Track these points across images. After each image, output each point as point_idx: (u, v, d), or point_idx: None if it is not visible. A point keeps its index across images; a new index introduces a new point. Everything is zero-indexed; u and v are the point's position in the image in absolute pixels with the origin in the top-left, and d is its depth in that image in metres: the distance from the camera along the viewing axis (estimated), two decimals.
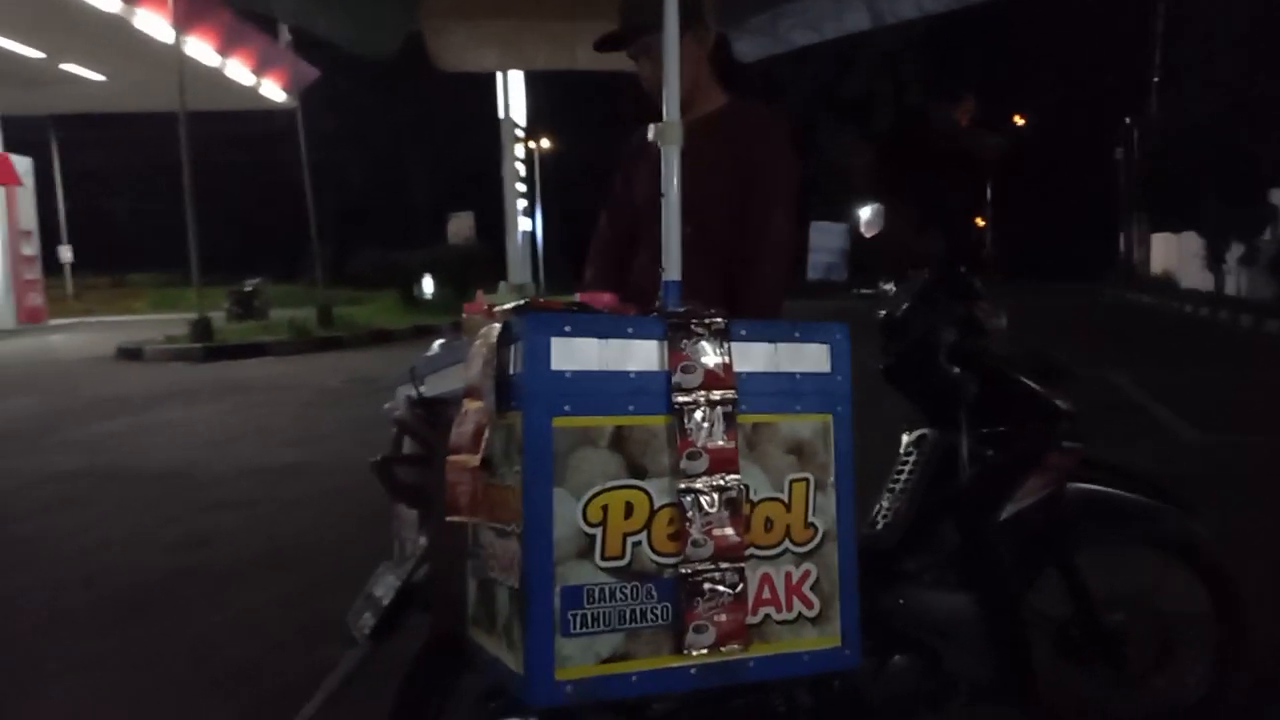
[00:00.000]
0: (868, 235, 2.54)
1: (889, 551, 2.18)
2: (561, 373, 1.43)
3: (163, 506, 5.34)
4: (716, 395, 1.50)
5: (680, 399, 1.48)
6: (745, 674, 1.50)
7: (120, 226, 37.04)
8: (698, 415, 1.48)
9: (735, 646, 1.48)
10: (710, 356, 1.51)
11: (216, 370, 12.34)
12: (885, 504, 2.26)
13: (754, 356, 1.56)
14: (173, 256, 26.96)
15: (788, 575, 1.55)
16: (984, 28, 30.24)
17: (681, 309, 1.56)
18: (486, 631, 1.58)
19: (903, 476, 2.28)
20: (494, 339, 1.52)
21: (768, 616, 1.53)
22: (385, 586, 1.85)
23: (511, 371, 1.49)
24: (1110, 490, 2.34)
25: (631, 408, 1.46)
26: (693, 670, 1.47)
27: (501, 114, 8.84)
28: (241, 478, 6.04)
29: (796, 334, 1.60)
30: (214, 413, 8.84)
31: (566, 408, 1.42)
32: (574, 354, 1.44)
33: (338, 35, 2.84)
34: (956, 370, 2.09)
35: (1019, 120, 31.66)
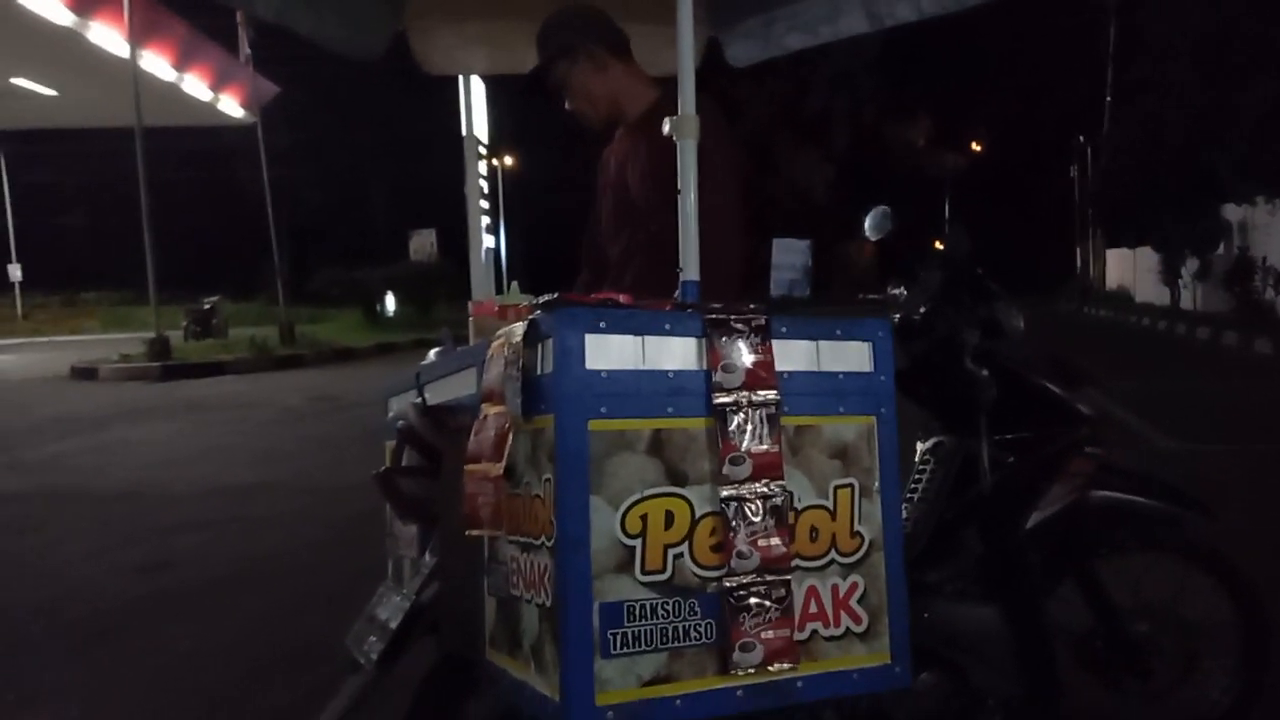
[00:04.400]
0: (874, 239, 2.46)
1: (910, 564, 2.09)
2: (597, 372, 1.32)
3: (121, 528, 5.12)
4: (759, 396, 1.40)
5: (721, 400, 1.38)
6: (794, 694, 1.40)
7: (72, 244, 36.22)
8: (740, 417, 1.38)
9: (784, 665, 1.37)
10: (751, 355, 1.41)
11: (174, 389, 12.03)
12: (904, 514, 2.17)
13: (794, 355, 1.46)
14: (127, 275, 26.38)
15: (834, 588, 1.45)
16: (940, 47, 30.58)
17: (716, 305, 1.46)
18: (509, 654, 1.46)
19: (921, 486, 2.20)
20: (518, 338, 1.41)
21: (815, 632, 1.43)
22: (391, 609, 1.73)
23: (539, 372, 1.38)
24: (1131, 497, 2.28)
25: (670, 409, 1.36)
26: (739, 692, 1.36)
27: (464, 131, 8.74)
28: (203, 498, 5.82)
29: (838, 331, 1.51)
30: (172, 432, 8.57)
31: (602, 409, 1.32)
32: (609, 352, 1.34)
33: (322, 35, 2.70)
34: (984, 372, 2.01)
35: (976, 146, 32.07)
